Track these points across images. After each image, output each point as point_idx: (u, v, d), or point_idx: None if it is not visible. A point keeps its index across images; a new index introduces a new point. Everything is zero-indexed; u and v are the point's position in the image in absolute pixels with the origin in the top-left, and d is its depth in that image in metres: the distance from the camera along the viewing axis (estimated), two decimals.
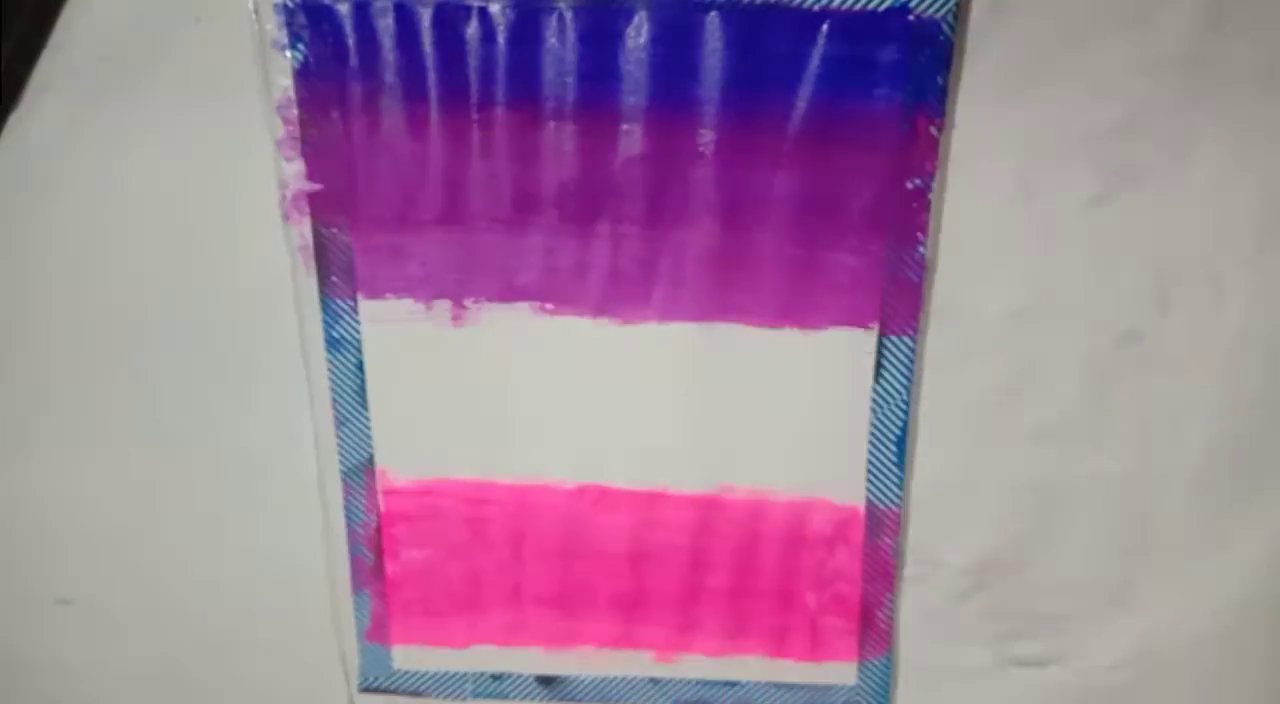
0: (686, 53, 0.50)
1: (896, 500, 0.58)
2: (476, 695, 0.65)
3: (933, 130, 0.51)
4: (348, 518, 0.61)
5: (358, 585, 0.62)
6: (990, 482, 0.58)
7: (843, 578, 0.60)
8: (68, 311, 0.58)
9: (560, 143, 0.52)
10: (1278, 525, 0.57)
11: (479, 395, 0.58)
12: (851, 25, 0.49)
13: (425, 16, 0.50)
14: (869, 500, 0.58)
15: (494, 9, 0.50)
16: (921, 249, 0.53)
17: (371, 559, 0.62)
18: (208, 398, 0.59)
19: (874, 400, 0.56)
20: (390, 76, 0.51)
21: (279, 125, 0.53)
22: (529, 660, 0.64)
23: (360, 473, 0.60)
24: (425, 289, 0.56)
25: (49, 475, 0.62)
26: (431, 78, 0.51)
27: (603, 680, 0.64)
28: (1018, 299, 0.54)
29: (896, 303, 0.54)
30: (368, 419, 0.59)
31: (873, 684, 0.63)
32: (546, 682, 0.64)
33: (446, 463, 0.59)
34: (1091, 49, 0.50)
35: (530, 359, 0.56)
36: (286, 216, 0.55)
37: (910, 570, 0.60)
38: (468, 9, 0.50)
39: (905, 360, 0.55)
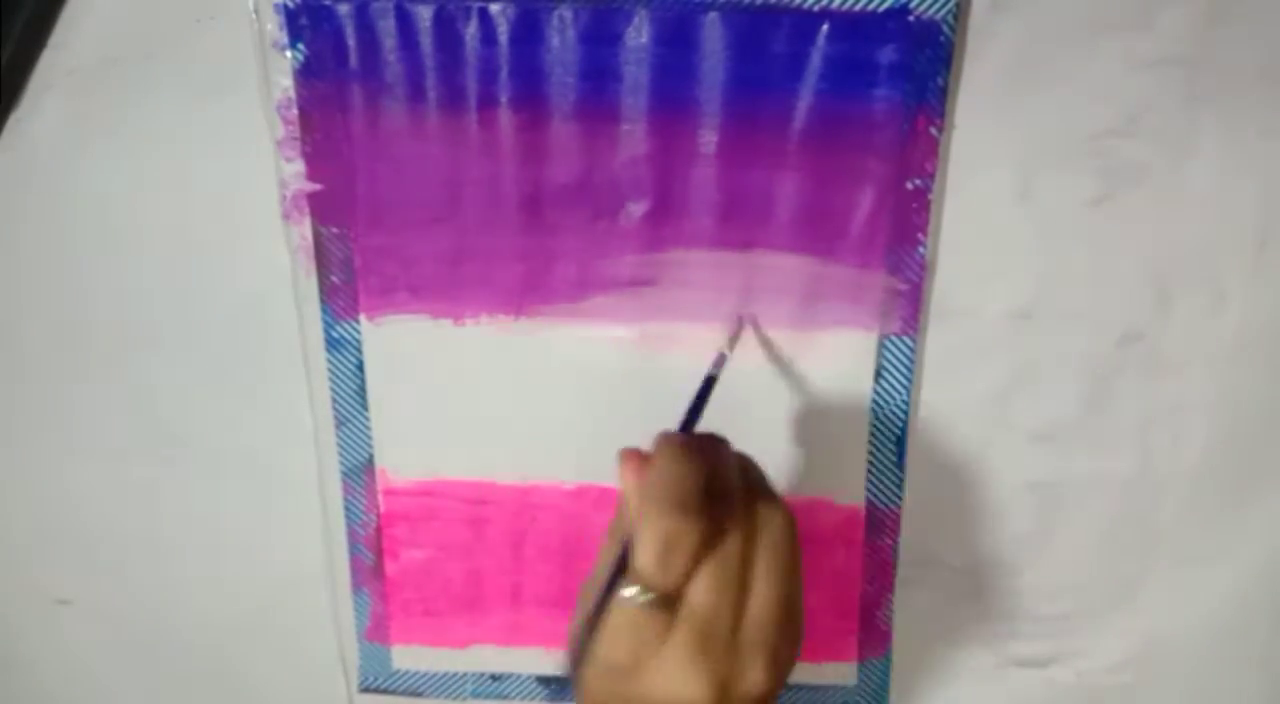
0: (686, 53, 0.50)
1: (896, 500, 0.58)
2: (476, 695, 0.65)
3: (933, 130, 0.51)
4: (348, 518, 0.61)
5: (358, 585, 0.62)
6: (990, 482, 0.58)
7: (843, 578, 0.60)
8: (66, 311, 0.58)
9: (560, 143, 0.52)
10: (1278, 525, 0.57)
11: (479, 395, 0.58)
12: (851, 26, 0.49)
13: (426, 17, 0.50)
14: (869, 500, 0.58)
15: (494, 9, 0.50)
16: (921, 249, 0.53)
17: (371, 559, 0.62)
18: (207, 397, 0.59)
19: (874, 400, 0.56)
20: (391, 77, 0.51)
21: (279, 125, 0.53)
22: (529, 660, 0.63)
23: (360, 473, 0.60)
24: (426, 289, 0.56)
25: (49, 475, 0.62)
26: (432, 78, 0.51)
27: None
28: (1018, 299, 0.54)
29: (896, 303, 0.54)
30: (368, 419, 0.59)
31: (873, 684, 0.63)
32: (546, 682, 0.64)
33: (446, 463, 0.59)
34: (1091, 49, 0.50)
35: (530, 359, 0.56)
36: (286, 216, 0.55)
37: (910, 570, 0.60)
38: (468, 9, 0.50)
39: (905, 360, 0.55)
